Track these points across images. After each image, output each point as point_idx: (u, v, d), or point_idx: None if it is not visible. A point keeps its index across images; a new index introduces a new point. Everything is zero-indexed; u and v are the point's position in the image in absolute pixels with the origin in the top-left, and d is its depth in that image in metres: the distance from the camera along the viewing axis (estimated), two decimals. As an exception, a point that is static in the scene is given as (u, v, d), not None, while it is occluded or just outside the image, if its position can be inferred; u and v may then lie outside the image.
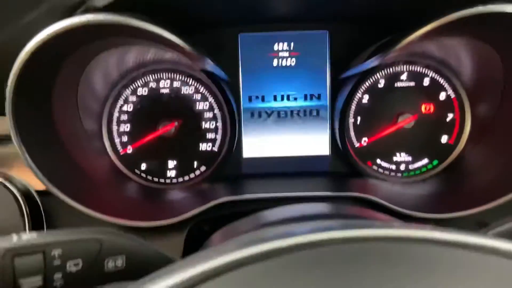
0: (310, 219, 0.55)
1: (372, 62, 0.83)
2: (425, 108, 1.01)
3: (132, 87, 1.01)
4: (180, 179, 1.05)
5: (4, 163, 0.92)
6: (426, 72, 1.00)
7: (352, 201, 0.91)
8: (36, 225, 0.88)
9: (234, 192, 0.94)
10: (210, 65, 0.85)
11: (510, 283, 0.31)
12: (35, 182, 0.87)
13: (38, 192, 0.91)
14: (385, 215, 0.65)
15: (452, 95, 1.01)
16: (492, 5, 0.67)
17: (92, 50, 0.84)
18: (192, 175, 1.05)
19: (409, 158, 1.04)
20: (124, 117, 1.02)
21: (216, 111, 1.03)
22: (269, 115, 1.05)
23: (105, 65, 0.93)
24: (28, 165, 0.78)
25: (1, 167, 0.91)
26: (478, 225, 0.88)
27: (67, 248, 0.51)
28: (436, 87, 1.01)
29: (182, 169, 1.05)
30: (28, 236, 0.50)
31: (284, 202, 0.92)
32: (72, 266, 0.50)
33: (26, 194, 0.89)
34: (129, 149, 1.03)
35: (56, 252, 0.49)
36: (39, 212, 0.90)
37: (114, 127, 1.03)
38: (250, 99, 1.05)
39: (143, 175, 1.04)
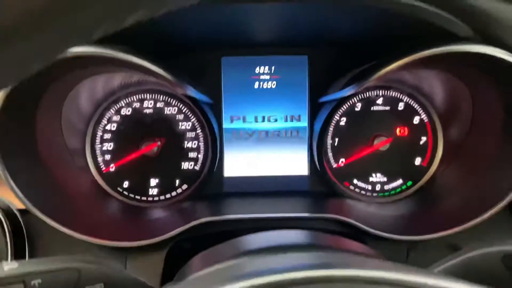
0: (286, 249, 0.57)
1: (349, 91, 0.86)
2: (400, 131, 1.05)
3: (116, 107, 1.03)
4: (162, 197, 1.07)
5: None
6: (401, 97, 1.05)
7: (327, 222, 0.94)
8: (18, 244, 0.89)
9: (215, 212, 0.97)
10: (191, 91, 0.88)
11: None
12: (17, 201, 0.88)
13: (20, 210, 0.92)
14: (359, 243, 0.68)
15: (425, 119, 1.05)
16: (462, 45, 0.71)
17: (77, 76, 0.86)
18: (174, 193, 1.07)
19: (385, 179, 1.08)
20: (108, 136, 1.04)
21: (199, 131, 1.06)
22: (250, 135, 1.08)
23: (90, 88, 0.95)
24: (9, 185, 0.79)
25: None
26: (450, 248, 0.92)
27: (46, 278, 0.53)
28: (410, 111, 1.05)
29: (164, 187, 1.07)
30: (9, 266, 0.52)
31: (263, 223, 0.96)
32: (51, 296, 0.52)
33: (8, 212, 0.90)
34: (112, 168, 1.05)
35: (36, 281, 0.51)
36: (21, 231, 0.91)
37: (98, 146, 1.04)
38: (231, 120, 1.07)
39: (125, 192, 1.06)
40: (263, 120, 1.08)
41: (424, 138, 1.06)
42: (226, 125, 1.07)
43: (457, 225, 0.88)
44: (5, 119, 0.75)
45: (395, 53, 0.78)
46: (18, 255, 0.89)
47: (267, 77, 1.06)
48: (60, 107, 0.92)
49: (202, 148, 1.06)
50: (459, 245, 0.94)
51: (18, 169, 0.81)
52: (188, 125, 1.05)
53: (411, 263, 0.93)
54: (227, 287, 0.35)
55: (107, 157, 1.05)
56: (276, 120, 1.08)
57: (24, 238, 0.91)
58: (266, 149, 1.09)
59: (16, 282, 0.50)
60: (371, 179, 1.08)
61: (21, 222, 0.91)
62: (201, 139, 1.06)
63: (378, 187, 1.08)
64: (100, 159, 1.05)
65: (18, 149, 0.83)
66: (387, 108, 1.05)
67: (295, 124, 1.08)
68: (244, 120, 1.08)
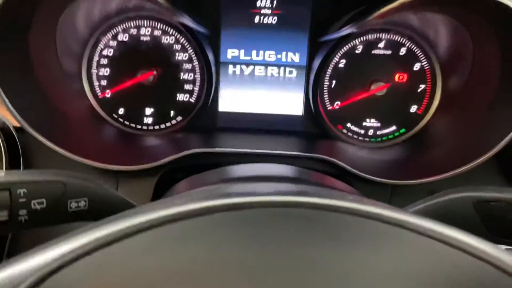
0: (265, 180, 0.59)
1: (347, 30, 0.84)
2: (399, 77, 1.04)
3: (113, 32, 1.02)
4: (157, 127, 1.09)
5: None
6: (403, 41, 1.02)
7: (318, 162, 0.96)
8: (13, 161, 0.92)
9: (207, 144, 0.99)
10: (188, 21, 0.86)
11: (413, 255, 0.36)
12: (13, 118, 0.89)
13: (16, 128, 0.94)
14: (342, 183, 0.70)
15: (426, 67, 1.03)
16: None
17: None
18: (168, 124, 1.09)
19: (378, 124, 1.08)
20: (104, 61, 1.04)
21: (195, 62, 1.05)
22: (247, 71, 1.07)
23: (86, 7, 0.93)
24: (5, 104, 0.80)
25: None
26: (430, 193, 0.94)
27: (32, 188, 0.55)
28: (411, 57, 1.03)
29: (158, 117, 1.08)
30: (-4, 174, 0.54)
31: (253, 158, 0.98)
32: (36, 205, 0.54)
33: (4, 130, 0.92)
34: (108, 93, 1.05)
35: (22, 190, 0.53)
36: (16, 148, 0.93)
37: (94, 71, 1.04)
38: (229, 54, 1.06)
39: (121, 119, 1.08)
40: (261, 57, 1.06)
41: (422, 86, 1.05)
42: (223, 58, 1.06)
43: (441, 173, 0.89)
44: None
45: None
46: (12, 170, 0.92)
47: (268, 11, 1.03)
48: (54, 27, 0.91)
49: (198, 80, 1.06)
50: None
51: (14, 89, 0.82)
52: (185, 56, 1.04)
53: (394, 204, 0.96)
54: (191, 205, 0.36)
55: (103, 82, 1.05)
56: (274, 57, 1.06)
57: (19, 156, 0.94)
58: (262, 86, 1.08)
59: (1, 189, 0.52)
60: (364, 123, 1.08)
61: (17, 140, 0.94)
62: (197, 71, 1.05)
63: (371, 132, 1.09)
64: (96, 84, 1.05)
65: (13, 69, 0.83)
66: (389, 52, 1.03)
67: (293, 62, 1.06)
68: (242, 55, 1.06)
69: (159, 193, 0.95)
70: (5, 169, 0.90)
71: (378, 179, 0.90)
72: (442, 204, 0.62)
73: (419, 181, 0.90)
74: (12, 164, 0.92)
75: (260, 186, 0.48)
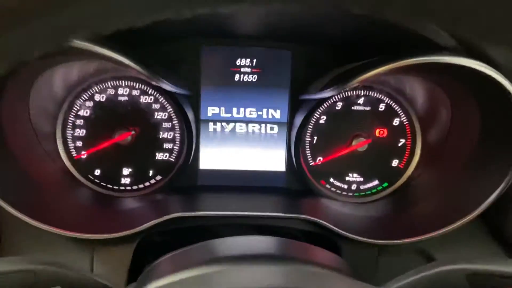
0: (251, 259, 0.56)
1: (329, 92, 0.85)
2: (379, 132, 1.05)
3: (89, 93, 0.99)
4: (135, 187, 1.05)
5: None
6: (382, 98, 1.03)
7: (302, 222, 0.94)
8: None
9: (188, 207, 0.95)
10: (166, 85, 0.85)
11: None
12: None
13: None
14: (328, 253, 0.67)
15: (405, 122, 1.05)
16: (445, 56, 0.69)
17: (46, 63, 0.82)
18: (147, 184, 1.05)
19: (361, 179, 1.07)
20: (80, 121, 1.01)
21: (175, 121, 1.03)
22: (227, 128, 1.06)
23: (63, 71, 0.91)
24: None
25: None
26: (419, 254, 0.93)
27: (2, 280, 0.51)
28: (390, 113, 1.04)
29: (137, 177, 1.04)
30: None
31: (236, 220, 0.94)
32: (4, 299, 0.50)
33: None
34: (84, 154, 1.02)
35: (-12, 284, 0.49)
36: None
37: (69, 132, 1.01)
38: (209, 112, 1.05)
39: (97, 180, 1.03)
40: (242, 114, 1.05)
41: (402, 141, 1.05)
42: (203, 116, 1.05)
43: (428, 232, 0.88)
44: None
45: (378, 58, 0.76)
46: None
47: (248, 70, 1.03)
48: (28, 91, 0.88)
49: (177, 139, 1.04)
50: (429, 251, 0.95)
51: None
52: (164, 115, 1.02)
53: (381, 266, 0.94)
54: None
55: (79, 143, 1.01)
56: (255, 114, 1.05)
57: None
58: (243, 143, 1.07)
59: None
60: (347, 178, 1.07)
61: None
62: (177, 130, 1.03)
63: (354, 187, 1.08)
64: (71, 145, 1.01)
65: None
66: (368, 108, 1.03)
67: (274, 119, 1.06)
68: (222, 113, 1.05)
69: (137, 261, 0.90)
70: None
71: (366, 239, 0.88)
72: (435, 276, 0.60)
73: (405, 240, 0.89)
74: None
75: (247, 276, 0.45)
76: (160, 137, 1.03)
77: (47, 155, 0.97)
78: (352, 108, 1.03)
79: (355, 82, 0.75)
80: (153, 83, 0.92)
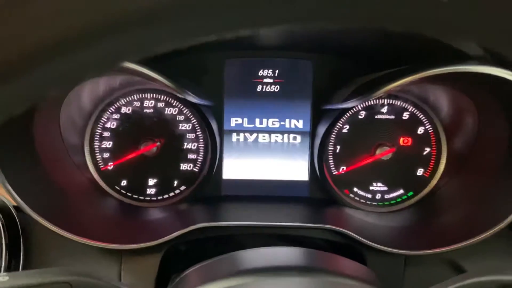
0: (279, 271, 0.56)
1: (354, 102, 0.85)
2: (403, 141, 1.04)
3: (116, 105, 1.02)
4: (160, 197, 1.06)
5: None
6: (406, 106, 1.03)
7: (327, 232, 0.93)
8: (12, 242, 0.88)
9: (212, 217, 0.96)
10: (191, 97, 0.86)
11: None
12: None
13: (16, 207, 0.91)
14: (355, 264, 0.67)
15: (430, 130, 1.04)
16: (472, 65, 0.69)
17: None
18: (171, 194, 1.06)
19: (385, 188, 1.06)
20: (107, 133, 1.03)
21: (199, 132, 1.04)
22: (250, 138, 1.06)
23: (91, 86, 0.94)
24: (3, 185, 0.78)
25: (-22, 182, 0.91)
26: (448, 264, 0.91)
27: (36, 292, 0.52)
28: (415, 121, 1.03)
29: (162, 188, 1.06)
30: (0, 279, 0.51)
31: (261, 230, 0.95)
32: (41, 310, 0.51)
33: (3, 210, 0.89)
34: (110, 166, 1.04)
35: (26, 295, 0.50)
36: (16, 228, 0.90)
37: (96, 144, 1.03)
38: (232, 122, 1.06)
39: (123, 191, 1.05)
40: (265, 124, 1.06)
41: (427, 149, 1.04)
42: (226, 127, 1.06)
43: (456, 242, 0.86)
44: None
45: (403, 68, 0.76)
46: (12, 253, 0.88)
47: (270, 80, 1.04)
48: (59, 106, 0.91)
49: (201, 150, 1.05)
50: (457, 262, 0.94)
51: (14, 167, 0.80)
52: (188, 127, 1.04)
53: (408, 277, 0.93)
54: None
55: (106, 155, 1.04)
56: (277, 125, 1.06)
57: (19, 236, 0.91)
58: (266, 153, 1.07)
59: (5, 296, 0.49)
60: (371, 187, 1.06)
61: (17, 219, 0.91)
62: (201, 140, 1.04)
63: (378, 196, 1.07)
64: (98, 156, 1.04)
65: (14, 147, 0.82)
66: (392, 117, 1.03)
67: (297, 129, 1.06)
68: (245, 123, 1.06)
69: (165, 270, 0.92)
70: (5, 250, 0.87)
71: (392, 250, 0.87)
72: (466, 288, 0.59)
73: (434, 251, 0.87)
74: (12, 245, 0.88)
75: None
76: (184, 148, 1.04)
77: (76, 166, 1.00)
78: (376, 117, 1.03)
79: (383, 91, 0.75)
80: (179, 95, 0.93)
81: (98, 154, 1.03)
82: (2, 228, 0.87)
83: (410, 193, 1.07)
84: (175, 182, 1.06)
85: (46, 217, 0.82)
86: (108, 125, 1.03)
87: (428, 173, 1.05)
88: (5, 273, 0.51)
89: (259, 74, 1.04)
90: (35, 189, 0.86)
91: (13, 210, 0.91)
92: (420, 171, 1.05)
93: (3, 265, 0.86)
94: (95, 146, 1.03)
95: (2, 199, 0.91)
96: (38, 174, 0.88)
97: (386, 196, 1.07)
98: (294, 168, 1.08)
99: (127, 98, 1.02)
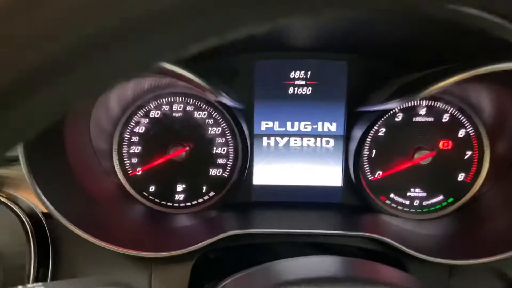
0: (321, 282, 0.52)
1: (396, 103, 0.80)
2: (443, 144, 0.99)
3: (144, 110, 1.00)
4: (188, 204, 1.03)
5: (11, 184, 0.90)
6: (445, 108, 0.98)
7: (364, 240, 0.89)
8: (41, 249, 0.87)
9: (243, 224, 0.93)
10: (225, 98, 0.83)
11: None
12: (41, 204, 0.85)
13: (45, 214, 0.90)
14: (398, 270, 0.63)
15: (472, 133, 0.98)
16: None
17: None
18: (200, 200, 1.03)
19: (424, 194, 1.01)
20: (135, 138, 1.01)
21: (229, 136, 1.01)
22: (281, 142, 1.03)
23: (120, 89, 0.92)
24: (34, 190, 0.76)
25: (8, 188, 0.90)
26: (496, 274, 0.86)
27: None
28: (455, 123, 0.98)
29: (191, 194, 1.03)
30: (33, 288, 0.48)
31: (294, 238, 0.91)
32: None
33: (33, 217, 0.88)
34: (138, 171, 1.02)
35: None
36: (45, 235, 0.89)
37: (125, 148, 1.01)
38: (263, 126, 1.02)
39: (151, 197, 1.03)
40: (296, 128, 1.02)
41: (469, 153, 0.99)
42: (257, 131, 1.03)
43: (503, 251, 0.81)
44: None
45: (449, 66, 0.72)
46: (41, 260, 0.86)
47: (303, 82, 1.00)
48: (90, 110, 0.89)
49: (231, 154, 1.02)
50: (504, 270, 0.88)
51: (44, 173, 0.79)
52: (218, 131, 1.01)
53: (453, 287, 0.87)
54: None
55: (134, 160, 1.01)
56: (310, 128, 1.02)
57: (48, 243, 0.89)
58: (298, 158, 1.03)
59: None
60: (409, 193, 1.01)
61: (45, 226, 0.89)
62: (231, 145, 1.01)
63: (416, 203, 1.02)
64: (127, 162, 1.01)
65: (45, 152, 0.80)
66: (430, 119, 0.98)
67: (330, 132, 1.02)
68: (276, 127, 1.02)
69: (196, 279, 0.88)
70: (34, 257, 0.85)
71: (436, 259, 0.82)
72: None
73: (480, 260, 0.82)
74: (41, 252, 0.87)
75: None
76: (214, 152, 1.01)
77: (104, 172, 0.98)
78: (414, 119, 0.98)
79: (430, 91, 0.70)
80: (212, 97, 0.90)
81: (127, 159, 1.01)
82: (31, 236, 0.85)
83: (451, 200, 1.01)
84: (204, 188, 1.03)
85: (76, 224, 0.80)
86: (136, 129, 1.00)
87: (469, 178, 1.00)
88: (41, 283, 0.48)
89: (291, 76, 1.00)
90: (65, 195, 0.84)
91: (42, 217, 0.89)
92: (461, 176, 1.00)
93: (31, 274, 0.84)
94: (124, 151, 1.01)
95: (31, 206, 0.89)
96: (68, 180, 0.87)
97: (425, 203, 1.02)
98: (327, 173, 1.04)
99: (156, 102, 0.99)
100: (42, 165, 0.78)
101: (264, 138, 1.03)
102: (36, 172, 0.76)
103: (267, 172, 1.04)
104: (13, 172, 0.89)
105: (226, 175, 1.03)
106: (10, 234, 0.84)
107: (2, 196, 0.89)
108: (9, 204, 0.87)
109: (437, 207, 1.02)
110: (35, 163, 0.76)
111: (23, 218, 0.85)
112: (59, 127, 0.82)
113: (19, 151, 0.74)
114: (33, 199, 0.88)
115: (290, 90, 1.01)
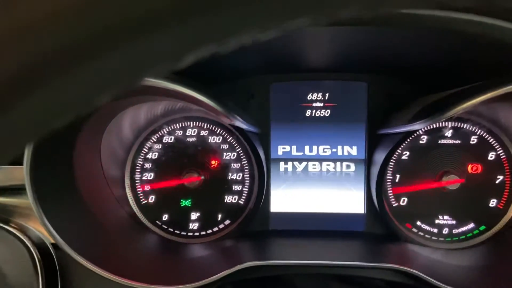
0: None
1: (421, 124, 0.75)
2: (472, 169, 0.93)
3: (157, 135, 0.97)
4: (203, 233, 0.99)
5: (21, 214, 0.88)
6: (473, 129, 0.92)
7: (389, 271, 0.83)
8: (50, 281, 0.83)
9: (261, 254, 0.88)
10: (239, 122, 0.80)
11: None
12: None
13: (54, 245, 0.86)
14: None
15: (502, 156, 0.92)
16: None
17: (119, 105, 0.80)
18: (215, 229, 0.99)
19: (453, 222, 0.95)
20: (148, 165, 0.98)
21: (244, 162, 0.97)
22: (299, 167, 0.98)
23: (132, 115, 0.90)
24: (42, 222, 0.73)
25: (17, 218, 0.87)
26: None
27: None
28: (484, 146, 0.92)
29: (205, 222, 0.99)
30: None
31: (314, 269, 0.85)
32: None
33: (42, 247, 0.84)
34: (151, 199, 0.98)
35: None
36: (53, 266, 0.85)
37: (137, 176, 0.98)
38: (279, 150, 0.98)
39: (164, 226, 0.99)
40: (315, 152, 0.98)
41: (500, 177, 0.93)
42: (274, 156, 0.99)
43: None
44: (41, 155, 0.70)
45: (475, 85, 0.67)
46: (50, 291, 0.83)
47: (320, 104, 0.97)
48: (100, 136, 0.87)
49: (247, 180, 0.98)
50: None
51: (53, 202, 0.76)
52: (233, 156, 0.97)
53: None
54: None
55: (147, 187, 0.98)
56: (329, 152, 0.98)
57: (57, 275, 0.85)
58: (317, 184, 0.98)
59: None
60: (437, 221, 0.95)
61: (54, 258, 0.86)
62: (247, 171, 0.97)
63: (445, 231, 0.95)
64: (139, 189, 0.98)
65: (54, 180, 0.78)
66: (458, 141, 0.92)
67: (351, 156, 0.97)
68: (293, 151, 0.98)
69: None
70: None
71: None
72: None
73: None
74: (49, 283, 0.83)
75: None
76: (229, 178, 0.97)
77: (116, 200, 0.95)
78: (439, 141, 0.93)
79: (457, 111, 0.65)
80: (226, 121, 0.87)
81: (139, 186, 0.98)
82: (39, 267, 0.82)
83: (482, 227, 0.94)
84: (220, 216, 0.98)
85: (85, 256, 0.76)
86: (149, 155, 0.97)
87: (502, 204, 0.93)
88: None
89: (308, 98, 0.97)
90: (75, 226, 0.81)
91: (50, 248, 0.86)
92: (493, 202, 0.93)
93: (39, 307, 0.80)
94: (136, 178, 0.98)
95: (40, 236, 0.86)
96: (78, 209, 0.83)
97: (455, 231, 0.95)
98: (349, 199, 0.98)
99: (169, 127, 0.97)
100: (50, 194, 0.75)
101: (281, 163, 0.99)
102: (44, 201, 0.73)
103: (285, 199, 0.99)
104: (23, 202, 0.86)
105: (242, 202, 0.98)
106: (19, 265, 0.81)
107: (12, 227, 0.86)
108: (18, 234, 0.84)
109: (468, 235, 0.95)
110: (43, 192, 0.73)
111: (32, 249, 0.82)
112: (68, 153, 0.80)
113: (25, 180, 0.71)
114: (43, 229, 0.85)
115: (308, 113, 0.97)
